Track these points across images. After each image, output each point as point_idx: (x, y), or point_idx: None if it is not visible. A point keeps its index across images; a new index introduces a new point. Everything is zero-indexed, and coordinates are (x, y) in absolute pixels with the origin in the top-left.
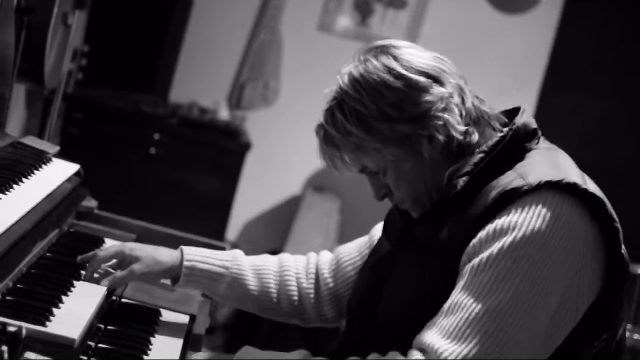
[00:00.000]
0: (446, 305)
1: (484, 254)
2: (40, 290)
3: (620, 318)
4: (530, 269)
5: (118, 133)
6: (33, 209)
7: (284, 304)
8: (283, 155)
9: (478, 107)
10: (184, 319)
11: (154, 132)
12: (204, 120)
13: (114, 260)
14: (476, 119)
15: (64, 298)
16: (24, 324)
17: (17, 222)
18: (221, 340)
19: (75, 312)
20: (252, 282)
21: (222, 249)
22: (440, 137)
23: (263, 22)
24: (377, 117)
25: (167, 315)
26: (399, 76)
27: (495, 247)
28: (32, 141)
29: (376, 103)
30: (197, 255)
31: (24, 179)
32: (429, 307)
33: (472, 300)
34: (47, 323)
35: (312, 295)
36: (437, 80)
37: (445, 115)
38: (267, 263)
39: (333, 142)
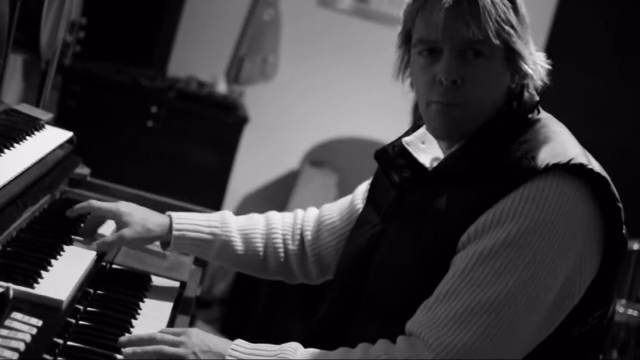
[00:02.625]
0: (442, 290)
1: (486, 243)
2: (30, 254)
3: (613, 294)
4: (532, 260)
5: (115, 106)
6: (23, 173)
7: (271, 264)
8: (281, 129)
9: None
10: (175, 284)
11: (151, 105)
12: (201, 94)
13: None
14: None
15: (53, 261)
16: (11, 285)
17: (6, 185)
18: (218, 313)
19: (64, 275)
20: (239, 246)
21: None
22: (525, 78)
23: None
24: (525, 22)
25: (157, 282)
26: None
27: (499, 235)
28: (25, 108)
29: (524, 9)
30: (185, 223)
31: (15, 145)
32: (419, 275)
33: (470, 291)
34: (35, 285)
35: (297, 254)
36: None
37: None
38: (255, 225)
39: (494, 3)
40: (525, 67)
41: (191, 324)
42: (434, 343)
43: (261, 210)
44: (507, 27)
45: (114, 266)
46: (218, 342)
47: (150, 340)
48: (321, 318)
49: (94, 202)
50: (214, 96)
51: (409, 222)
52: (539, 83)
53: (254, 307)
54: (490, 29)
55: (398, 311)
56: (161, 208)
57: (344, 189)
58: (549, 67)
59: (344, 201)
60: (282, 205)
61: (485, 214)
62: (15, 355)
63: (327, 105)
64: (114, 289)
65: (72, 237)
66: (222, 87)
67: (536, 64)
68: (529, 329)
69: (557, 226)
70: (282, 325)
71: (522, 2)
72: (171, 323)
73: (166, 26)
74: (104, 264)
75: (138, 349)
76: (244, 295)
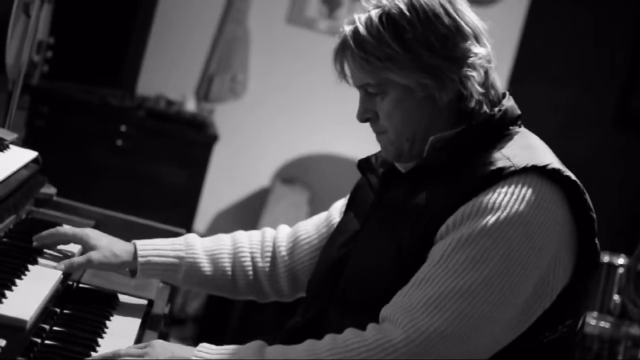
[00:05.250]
0: (418, 277)
1: (464, 231)
2: None
3: (585, 306)
4: (507, 252)
5: (84, 125)
6: None
7: (240, 283)
8: (251, 147)
9: (493, 84)
10: (142, 302)
11: (120, 124)
12: (170, 113)
13: (78, 248)
14: (487, 94)
15: (17, 281)
16: None
17: None
18: (191, 331)
19: (29, 294)
20: (207, 267)
21: (180, 235)
22: (460, 88)
23: (231, 15)
24: (420, 42)
25: (124, 300)
26: (451, 17)
27: (476, 225)
28: None
29: (424, 29)
30: (150, 249)
31: None
32: (397, 270)
33: (445, 277)
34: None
35: (267, 272)
36: (477, 38)
37: (474, 72)
38: (221, 245)
39: (363, 47)
40: (454, 77)
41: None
42: (407, 325)
43: (233, 228)
44: (383, 63)
45: (80, 285)
46: (182, 349)
47: (115, 357)
48: (294, 323)
49: (61, 229)
50: (183, 115)
51: (387, 219)
52: (492, 92)
53: (228, 324)
54: (366, 71)
55: (375, 306)
56: (129, 226)
57: (316, 206)
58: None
59: (320, 217)
60: (253, 222)
61: (464, 206)
62: None
63: (297, 122)
64: (81, 308)
65: (37, 257)
66: (191, 106)
67: (468, 77)
68: (501, 322)
69: (534, 223)
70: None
71: (416, 20)
72: (139, 340)
73: (134, 45)
74: (70, 282)
75: None
76: (218, 312)
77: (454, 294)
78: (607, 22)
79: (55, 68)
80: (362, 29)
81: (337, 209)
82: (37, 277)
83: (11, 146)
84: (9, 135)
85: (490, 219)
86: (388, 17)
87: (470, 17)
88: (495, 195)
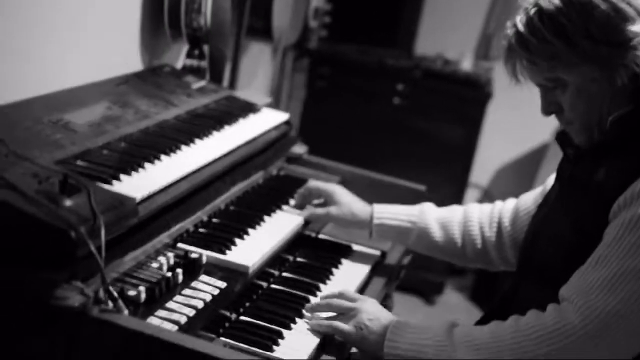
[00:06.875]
0: (594, 258)
1: (633, 211)
2: (230, 224)
3: None
4: None
5: (362, 85)
6: (230, 152)
7: (468, 250)
8: (529, 104)
9: None
10: (375, 253)
11: (397, 83)
12: (445, 72)
13: (321, 200)
14: None
15: (250, 231)
16: (205, 252)
17: (210, 164)
18: (470, 281)
19: (260, 243)
20: (437, 234)
21: (422, 193)
22: (636, 69)
23: None
24: (580, 34)
25: (359, 250)
26: (608, 1)
27: None
28: (245, 94)
29: (582, 20)
30: (385, 213)
31: (225, 126)
32: (577, 243)
33: (617, 259)
34: (227, 252)
35: (494, 242)
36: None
37: None
38: (453, 214)
39: (527, 48)
40: (626, 60)
41: (420, 291)
42: (582, 307)
43: (509, 184)
44: (549, 63)
45: (319, 236)
46: (387, 317)
47: (327, 301)
48: (501, 294)
49: (310, 184)
50: (458, 74)
51: (570, 194)
52: None
53: (504, 274)
54: (535, 71)
55: (557, 277)
56: (372, 183)
57: None
58: None
59: (539, 188)
60: (530, 178)
61: (634, 184)
62: (193, 312)
63: None
64: (313, 256)
65: (278, 209)
66: (467, 64)
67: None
68: None
69: None
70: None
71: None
72: (365, 285)
73: (410, 6)
74: (309, 233)
75: (314, 322)
76: None
77: (627, 274)
78: None
79: (333, 32)
80: (523, 30)
81: (551, 180)
82: (274, 227)
83: (264, 109)
84: (262, 100)
85: None
86: (546, 15)
87: None
88: None
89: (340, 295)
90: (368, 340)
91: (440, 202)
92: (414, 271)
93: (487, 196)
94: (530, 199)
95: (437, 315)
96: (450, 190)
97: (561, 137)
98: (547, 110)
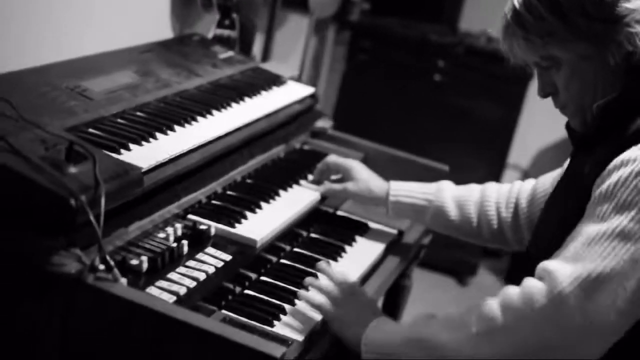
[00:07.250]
0: (569, 237)
1: (604, 186)
2: (244, 197)
3: None
4: None
5: (404, 60)
6: (248, 124)
7: (484, 231)
8: None
9: None
10: (392, 232)
11: (438, 59)
12: (488, 49)
13: (339, 175)
14: None
15: (263, 205)
16: (214, 224)
17: (224, 136)
18: (505, 264)
19: (269, 218)
20: (453, 212)
21: (444, 172)
22: (629, 47)
23: None
24: (575, 10)
25: (376, 228)
26: None
27: (614, 177)
28: (273, 66)
29: None
30: (402, 190)
31: (246, 98)
32: (560, 231)
33: (589, 227)
34: (237, 225)
35: (510, 222)
36: None
37: (637, 28)
38: (470, 193)
39: (523, 25)
40: (619, 37)
41: (439, 270)
42: (559, 277)
43: (548, 164)
44: (544, 40)
45: (337, 213)
46: (373, 309)
47: (323, 286)
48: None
49: (329, 159)
50: (500, 52)
51: (565, 182)
52: None
53: None
54: (530, 49)
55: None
56: (394, 160)
57: None
58: None
59: (558, 170)
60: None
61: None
62: (194, 283)
63: None
64: (328, 232)
65: (295, 184)
66: None
67: (632, 34)
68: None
69: None
70: None
71: None
72: (379, 262)
73: None
74: (330, 210)
75: (304, 292)
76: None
77: (598, 238)
78: None
79: (376, 5)
80: (520, 7)
81: (567, 164)
82: (288, 201)
83: (289, 82)
84: (289, 72)
85: (627, 170)
86: None
87: None
88: (635, 150)
89: (339, 284)
90: (345, 334)
91: (478, 183)
92: (448, 251)
93: (526, 178)
94: (548, 180)
95: (469, 297)
96: (488, 171)
97: (569, 126)
98: (543, 91)
